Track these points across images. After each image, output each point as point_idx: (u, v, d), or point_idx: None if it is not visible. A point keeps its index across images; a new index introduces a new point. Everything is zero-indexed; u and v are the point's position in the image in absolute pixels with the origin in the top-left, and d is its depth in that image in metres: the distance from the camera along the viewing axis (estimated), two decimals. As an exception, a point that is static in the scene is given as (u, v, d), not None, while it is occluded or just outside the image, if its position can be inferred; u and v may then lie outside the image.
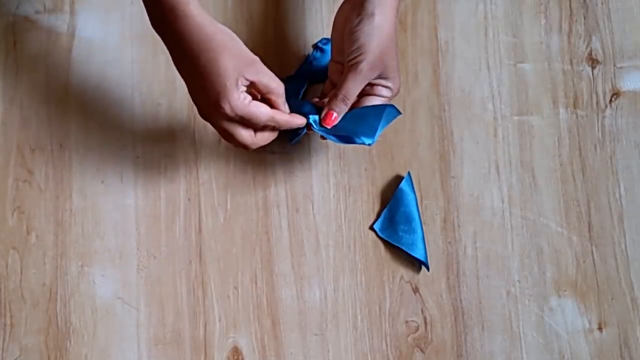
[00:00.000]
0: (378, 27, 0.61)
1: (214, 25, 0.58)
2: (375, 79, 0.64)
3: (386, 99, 0.66)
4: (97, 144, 0.72)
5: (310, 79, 0.72)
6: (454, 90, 0.75)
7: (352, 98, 0.64)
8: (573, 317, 0.71)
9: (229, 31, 0.59)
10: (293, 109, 0.64)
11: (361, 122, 0.65)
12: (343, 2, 0.65)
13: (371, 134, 0.64)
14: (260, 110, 0.60)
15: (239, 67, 0.58)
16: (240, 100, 0.58)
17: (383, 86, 0.65)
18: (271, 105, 0.61)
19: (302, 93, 0.72)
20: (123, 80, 0.73)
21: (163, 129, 0.72)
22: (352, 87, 0.63)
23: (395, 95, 0.66)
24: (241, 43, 0.59)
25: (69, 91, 0.72)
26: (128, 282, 0.70)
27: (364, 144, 0.64)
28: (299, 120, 0.63)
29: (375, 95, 0.65)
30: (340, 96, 0.64)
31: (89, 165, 0.71)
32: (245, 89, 0.59)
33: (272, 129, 0.63)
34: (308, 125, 0.65)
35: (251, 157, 0.72)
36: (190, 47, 0.58)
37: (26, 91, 0.72)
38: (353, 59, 0.62)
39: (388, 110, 0.65)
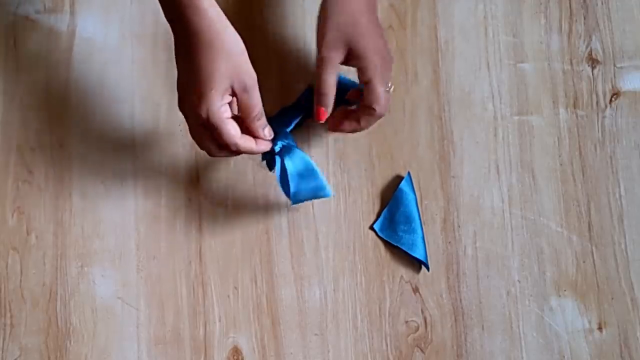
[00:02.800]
0: (333, 6, 0.61)
1: (224, 24, 0.57)
2: (347, 62, 0.63)
3: (370, 83, 0.62)
4: (97, 144, 0.72)
5: (306, 113, 0.71)
6: (454, 90, 0.74)
7: (329, 87, 0.63)
8: (573, 317, 0.71)
9: (237, 37, 0.58)
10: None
11: (297, 180, 0.64)
12: None
13: (292, 197, 0.64)
14: (230, 131, 0.59)
15: (232, 76, 0.57)
16: (217, 110, 0.58)
17: (357, 68, 0.63)
18: (247, 127, 0.61)
19: (293, 124, 0.69)
20: (123, 81, 0.73)
21: (163, 129, 0.72)
22: (324, 78, 0.62)
23: (382, 70, 0.63)
24: (244, 54, 0.58)
25: (69, 91, 0.72)
26: (128, 282, 0.70)
27: (287, 196, 0.65)
28: (262, 147, 0.62)
29: (361, 82, 0.63)
30: (319, 91, 0.63)
31: (89, 165, 0.71)
32: (229, 99, 0.59)
33: (233, 150, 0.61)
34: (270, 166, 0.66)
35: (251, 157, 0.72)
36: (193, 40, 0.57)
37: (26, 91, 0.72)
38: (317, 48, 0.62)
39: (321, 190, 0.65)
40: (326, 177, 0.72)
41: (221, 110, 0.58)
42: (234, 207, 0.71)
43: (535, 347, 0.71)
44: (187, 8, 0.56)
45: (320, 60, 0.62)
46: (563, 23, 0.76)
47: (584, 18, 0.76)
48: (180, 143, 0.72)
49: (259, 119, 0.61)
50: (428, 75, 0.75)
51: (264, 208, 0.71)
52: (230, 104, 0.60)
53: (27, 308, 0.69)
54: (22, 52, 0.73)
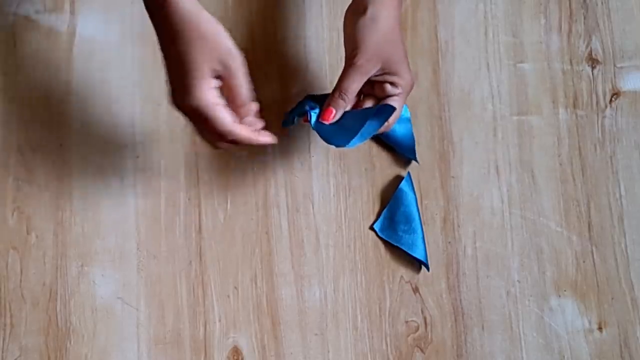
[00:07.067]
0: (371, 21, 0.61)
1: (199, 14, 0.56)
2: (379, 75, 0.63)
3: (397, 96, 0.64)
4: (98, 143, 0.72)
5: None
6: (454, 90, 0.75)
7: (351, 94, 0.63)
8: (573, 317, 0.71)
9: (216, 24, 0.56)
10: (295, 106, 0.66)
11: (347, 125, 0.64)
12: (347, 7, 0.64)
13: (347, 138, 0.63)
14: (223, 118, 0.56)
15: (211, 60, 0.56)
16: (204, 98, 0.56)
17: (389, 82, 0.63)
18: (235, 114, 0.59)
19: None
20: (123, 80, 0.73)
21: (163, 129, 0.72)
22: (349, 83, 0.62)
23: (409, 90, 0.64)
24: (221, 34, 0.56)
25: (69, 91, 0.72)
26: (128, 282, 0.70)
27: (339, 146, 0.62)
28: (263, 139, 0.60)
29: (385, 96, 0.64)
30: (337, 92, 0.63)
31: (89, 165, 0.71)
32: (218, 83, 0.57)
33: (233, 141, 0.59)
34: (305, 117, 0.65)
35: (251, 157, 0.72)
36: (170, 33, 0.56)
37: (26, 91, 0.72)
38: (350, 55, 0.62)
39: (377, 113, 0.63)
40: (326, 177, 0.73)
41: (208, 97, 0.56)
42: (234, 207, 0.71)
43: (535, 347, 0.71)
44: (165, 2, 0.55)
45: (354, 66, 0.61)
46: (563, 23, 0.76)
47: (584, 18, 0.77)
48: (181, 143, 0.72)
49: (245, 104, 0.59)
50: (428, 76, 0.75)
51: (264, 208, 0.71)
52: (221, 90, 0.58)
53: (27, 308, 0.69)
54: (23, 51, 0.73)
